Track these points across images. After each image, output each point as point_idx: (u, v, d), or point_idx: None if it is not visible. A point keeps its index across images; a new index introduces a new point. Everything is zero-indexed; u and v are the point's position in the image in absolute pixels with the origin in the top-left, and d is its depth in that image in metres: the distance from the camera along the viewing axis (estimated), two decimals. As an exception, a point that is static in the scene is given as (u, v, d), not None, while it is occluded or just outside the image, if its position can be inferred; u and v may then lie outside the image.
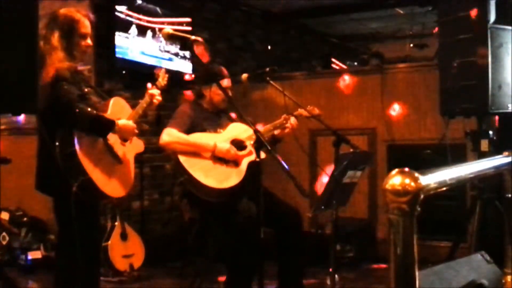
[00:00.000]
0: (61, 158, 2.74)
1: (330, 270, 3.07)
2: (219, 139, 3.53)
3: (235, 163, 3.51)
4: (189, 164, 3.40)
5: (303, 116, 3.80)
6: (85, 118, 2.78)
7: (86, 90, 2.98)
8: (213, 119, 3.71)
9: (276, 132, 3.74)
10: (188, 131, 3.51)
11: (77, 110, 2.75)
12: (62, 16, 2.94)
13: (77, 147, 2.73)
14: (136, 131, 3.03)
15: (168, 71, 3.39)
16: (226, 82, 3.69)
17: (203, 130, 3.58)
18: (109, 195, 2.88)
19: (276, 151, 2.89)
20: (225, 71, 3.81)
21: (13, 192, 5.32)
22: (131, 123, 2.99)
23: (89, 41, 3.01)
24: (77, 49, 2.96)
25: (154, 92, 3.16)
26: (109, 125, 2.86)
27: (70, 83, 2.83)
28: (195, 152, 3.45)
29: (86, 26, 2.98)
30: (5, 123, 5.33)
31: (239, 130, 3.64)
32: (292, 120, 3.73)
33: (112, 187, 2.90)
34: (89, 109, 2.82)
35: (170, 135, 3.47)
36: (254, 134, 2.90)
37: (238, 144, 3.58)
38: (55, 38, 2.88)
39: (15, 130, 5.39)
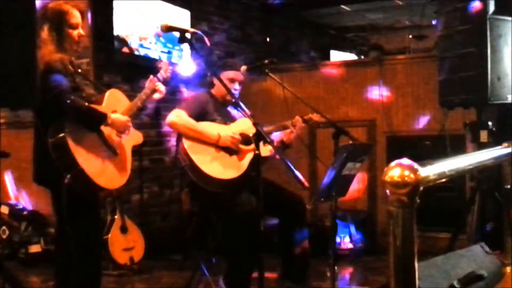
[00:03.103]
0: (52, 149, 2.74)
1: (330, 261, 3.08)
2: (226, 131, 3.53)
3: (239, 156, 3.51)
4: (192, 150, 3.39)
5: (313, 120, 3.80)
6: (76, 109, 2.77)
7: (80, 82, 2.96)
8: (224, 111, 3.71)
9: (284, 138, 3.72)
10: (197, 118, 3.50)
11: (68, 101, 2.73)
12: (51, 9, 2.94)
13: (68, 138, 2.72)
14: (129, 124, 3.01)
15: (171, 63, 3.39)
16: (232, 74, 3.69)
17: (212, 120, 3.58)
18: (103, 186, 2.87)
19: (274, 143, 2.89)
20: (231, 62, 3.83)
21: (13, 185, 5.33)
22: (123, 117, 2.97)
23: (81, 31, 3.00)
24: (68, 41, 2.95)
25: (159, 86, 3.16)
26: (101, 118, 2.85)
27: (62, 75, 2.82)
28: (200, 139, 3.45)
29: (75, 16, 2.97)
30: (5, 116, 5.32)
31: (247, 125, 3.62)
32: (298, 123, 3.73)
33: (106, 178, 2.88)
34: (81, 100, 2.81)
35: (178, 116, 3.47)
36: (253, 127, 2.88)
37: (245, 139, 3.57)
38: (45, 31, 2.88)
39: (15, 123, 5.38)
